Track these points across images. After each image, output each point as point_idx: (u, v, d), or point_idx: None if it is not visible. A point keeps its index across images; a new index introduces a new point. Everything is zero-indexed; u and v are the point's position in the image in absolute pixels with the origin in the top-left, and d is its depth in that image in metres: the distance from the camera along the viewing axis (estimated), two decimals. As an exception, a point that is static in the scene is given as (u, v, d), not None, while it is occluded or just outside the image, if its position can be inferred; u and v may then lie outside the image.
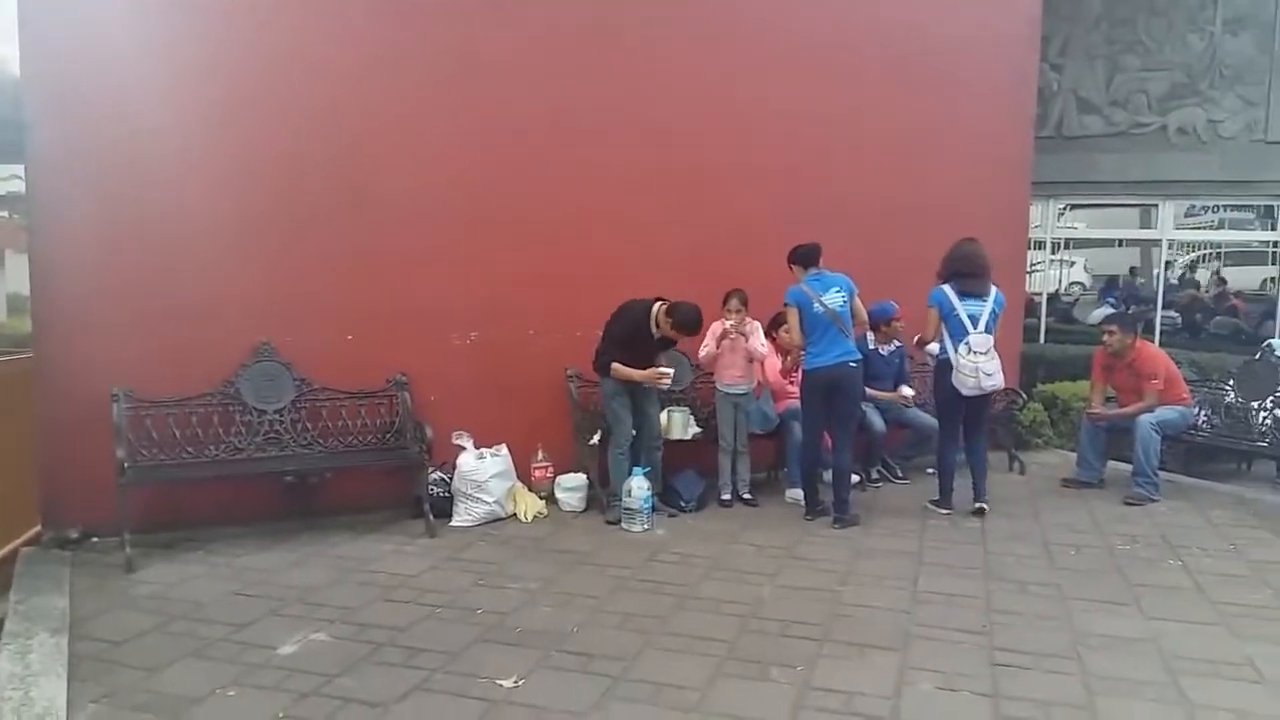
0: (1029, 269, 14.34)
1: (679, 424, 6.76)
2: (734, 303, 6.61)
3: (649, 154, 7.10)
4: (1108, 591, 5.05)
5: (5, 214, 7.88)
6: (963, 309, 6.29)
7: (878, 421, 7.13)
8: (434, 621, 4.57)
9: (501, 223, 6.68)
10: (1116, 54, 12.43)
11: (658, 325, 6.26)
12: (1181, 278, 16.82)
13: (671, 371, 6.43)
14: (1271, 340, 8.59)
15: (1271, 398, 7.21)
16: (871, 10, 7.90)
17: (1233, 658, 4.19)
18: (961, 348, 6.25)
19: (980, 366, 6.21)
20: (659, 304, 6.26)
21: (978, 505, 6.46)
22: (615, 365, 6.27)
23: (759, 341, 6.70)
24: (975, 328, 6.23)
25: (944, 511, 6.53)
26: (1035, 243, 13.40)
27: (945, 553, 5.73)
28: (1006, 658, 4.16)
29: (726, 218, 7.32)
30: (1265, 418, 7.11)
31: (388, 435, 6.28)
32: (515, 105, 6.69)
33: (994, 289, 6.40)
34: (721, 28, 7.33)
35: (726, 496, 6.76)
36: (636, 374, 6.29)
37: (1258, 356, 7.94)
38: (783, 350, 6.85)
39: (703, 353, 6.69)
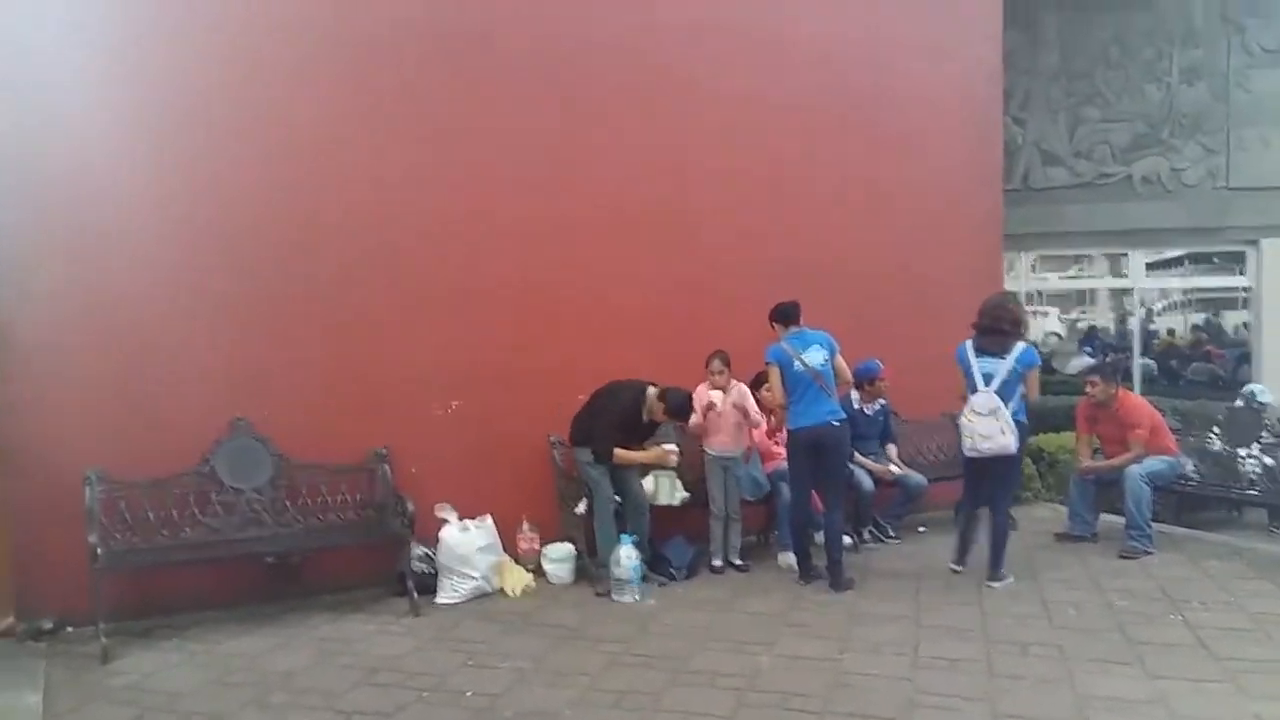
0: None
1: (665, 489, 6.64)
2: (716, 364, 6.60)
3: (624, 221, 7.09)
4: (1110, 651, 4.97)
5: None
6: (977, 366, 6.07)
7: (866, 482, 7.06)
8: (422, 706, 4.41)
9: (480, 290, 6.63)
10: (1076, 106, 12.69)
11: (651, 413, 6.25)
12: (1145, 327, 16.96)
13: (677, 449, 6.36)
14: (1252, 386, 8.64)
15: (1257, 443, 7.21)
16: (840, 73, 7.97)
17: (1242, 718, 4.10)
18: (966, 407, 6.10)
19: (975, 428, 5.98)
20: (651, 389, 6.25)
21: (987, 583, 6.11)
22: (618, 451, 6.20)
23: (752, 405, 6.66)
24: (986, 386, 6.01)
25: (956, 569, 6.35)
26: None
27: (942, 614, 5.63)
28: (1013, 725, 4.06)
29: (703, 281, 7.32)
30: (1253, 464, 7.09)
31: (369, 510, 6.14)
32: (491, 176, 6.68)
33: (1020, 346, 6.09)
34: (694, 93, 7.36)
35: (718, 563, 6.64)
36: (642, 456, 6.26)
37: (1239, 403, 7.97)
38: (766, 409, 6.78)
39: (691, 422, 6.62)
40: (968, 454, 6.14)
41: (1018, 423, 6.01)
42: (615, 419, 6.24)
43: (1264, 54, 12.04)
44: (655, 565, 6.41)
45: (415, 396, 6.47)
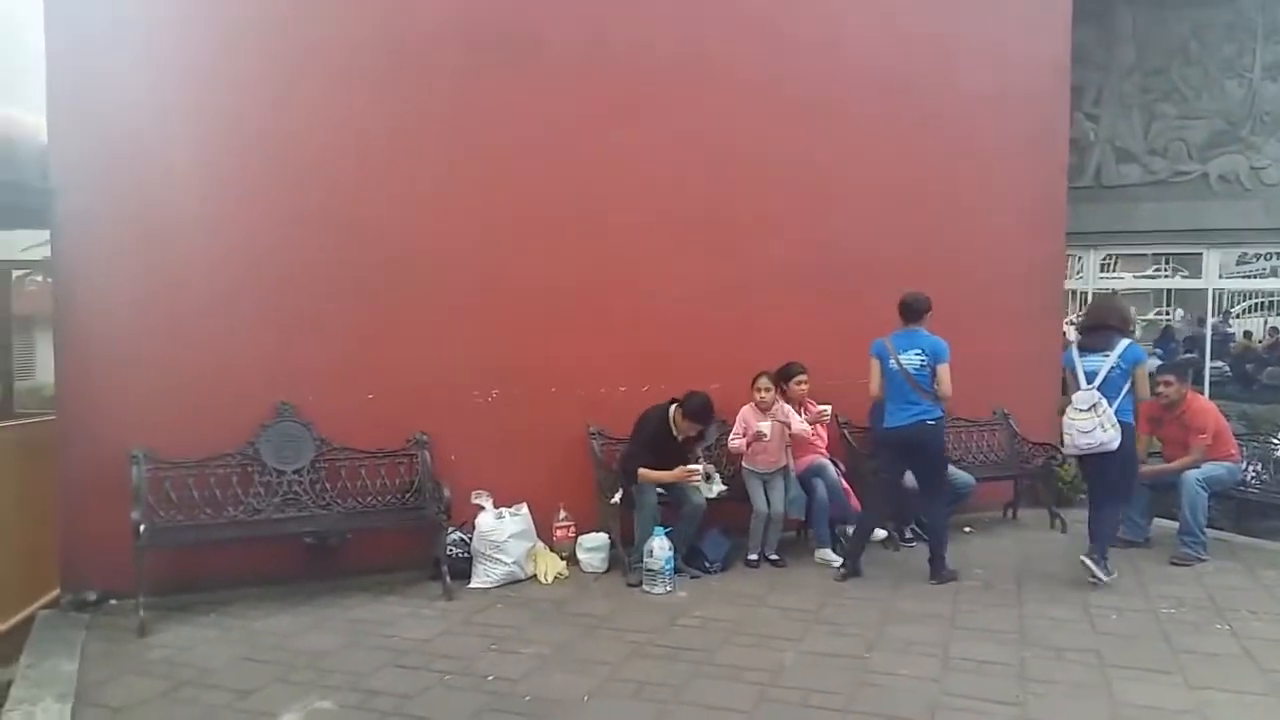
0: (1071, 321, 14.17)
1: (703, 482, 6.60)
2: (763, 381, 6.62)
3: (668, 220, 7.06)
4: (1150, 658, 4.80)
5: (40, 278, 8.01)
6: (1080, 365, 6.02)
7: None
8: (442, 689, 4.44)
9: (523, 281, 6.65)
10: (1152, 102, 12.30)
11: (677, 427, 6.27)
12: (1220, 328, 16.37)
13: (700, 468, 6.34)
14: (1320, 391, 8.30)
15: (1321, 451, 6.92)
16: (900, 71, 7.82)
17: (1284, 731, 3.95)
18: (1070, 404, 6.05)
19: (1075, 424, 5.90)
20: (674, 405, 6.26)
21: (1082, 557, 6.07)
22: (642, 471, 6.21)
23: (798, 422, 6.62)
24: (1090, 383, 5.93)
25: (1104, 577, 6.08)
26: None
27: (979, 616, 5.51)
28: (1039, 731, 3.95)
29: (747, 279, 7.27)
30: (1315, 472, 6.81)
31: (407, 495, 6.21)
32: (533, 172, 6.70)
33: (1124, 342, 6.00)
34: (744, 92, 7.29)
35: (753, 557, 6.58)
36: (666, 475, 6.23)
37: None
38: (791, 402, 6.79)
39: (733, 443, 6.64)
40: (1066, 451, 6.21)
41: (1122, 422, 5.89)
42: (646, 441, 6.30)
43: (1349, 50, 11.54)
44: (690, 558, 6.39)
45: (457, 386, 6.53)
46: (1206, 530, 6.69)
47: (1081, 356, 6.05)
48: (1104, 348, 6.00)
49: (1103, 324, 6.14)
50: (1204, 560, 6.50)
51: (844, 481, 6.78)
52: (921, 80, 7.92)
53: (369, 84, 6.35)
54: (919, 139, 7.90)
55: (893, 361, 6.11)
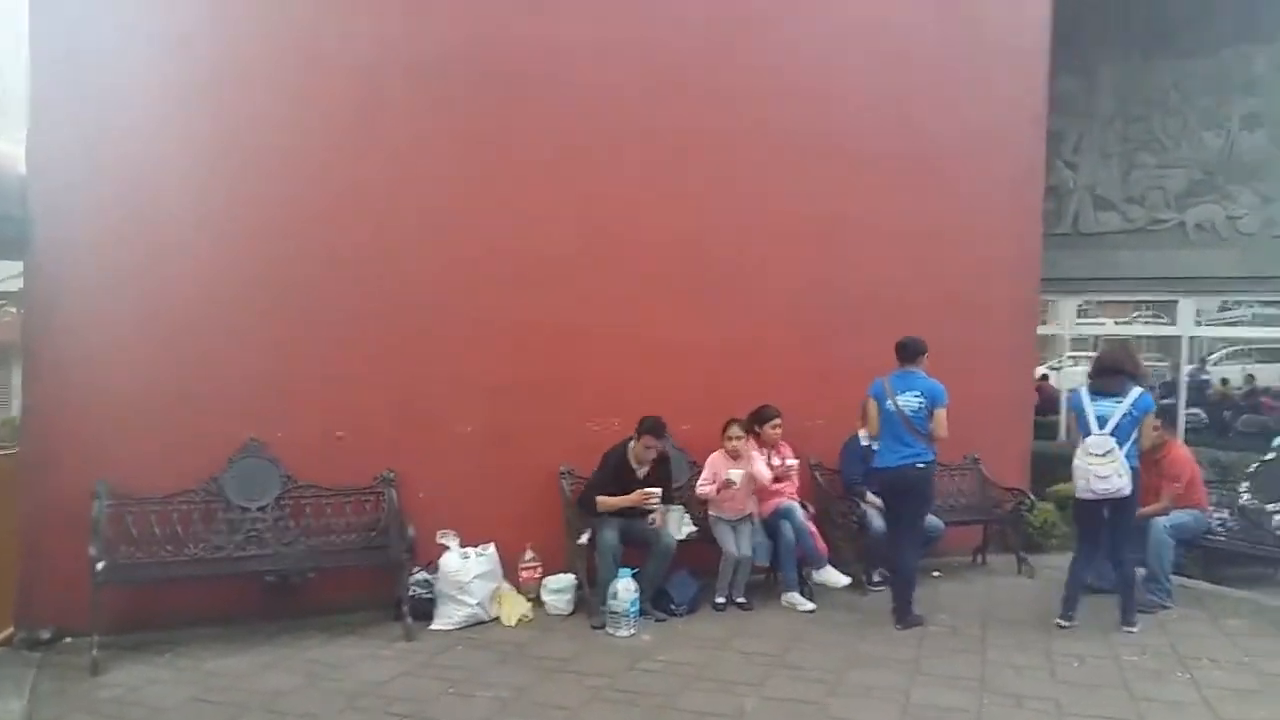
0: (1054, 366, 14.23)
1: (674, 522, 6.55)
2: (734, 430, 6.63)
3: (647, 251, 7.09)
4: (1109, 707, 4.79)
5: (14, 309, 8.02)
6: (1091, 409, 6.03)
7: (876, 521, 6.88)
8: (394, 732, 4.41)
9: (498, 320, 6.67)
10: (1131, 151, 12.44)
11: (636, 458, 6.31)
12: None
13: (659, 491, 6.33)
14: (1284, 438, 8.31)
15: (1287, 499, 6.92)
16: (886, 117, 7.91)
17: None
18: (1080, 448, 6.05)
19: (1092, 469, 5.91)
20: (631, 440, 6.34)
21: (1124, 628, 6.03)
22: (600, 499, 6.26)
23: (763, 468, 6.65)
24: (1101, 429, 5.96)
25: (1063, 624, 6.12)
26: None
27: (942, 662, 5.49)
28: (990, 780, 3.93)
29: (728, 313, 7.30)
30: (1280, 520, 6.80)
31: (372, 534, 6.17)
32: (517, 211, 6.73)
33: (1137, 390, 6.04)
34: (736, 136, 7.36)
35: (721, 600, 6.54)
36: (624, 499, 6.25)
37: (1271, 456, 7.65)
38: (765, 446, 6.82)
39: (701, 490, 6.66)
40: (1081, 495, 6.10)
41: (1131, 468, 5.94)
42: (606, 475, 6.34)
43: (1326, 104, 11.71)
44: (657, 600, 6.35)
45: (429, 423, 6.53)
46: (1173, 578, 6.68)
47: (1093, 400, 6.08)
48: (1117, 392, 6.03)
49: (1117, 369, 6.17)
50: (1168, 608, 6.48)
51: (811, 524, 6.76)
52: (910, 125, 7.99)
53: (354, 117, 6.40)
54: (909, 181, 7.95)
55: (890, 403, 6.16)
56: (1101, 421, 5.98)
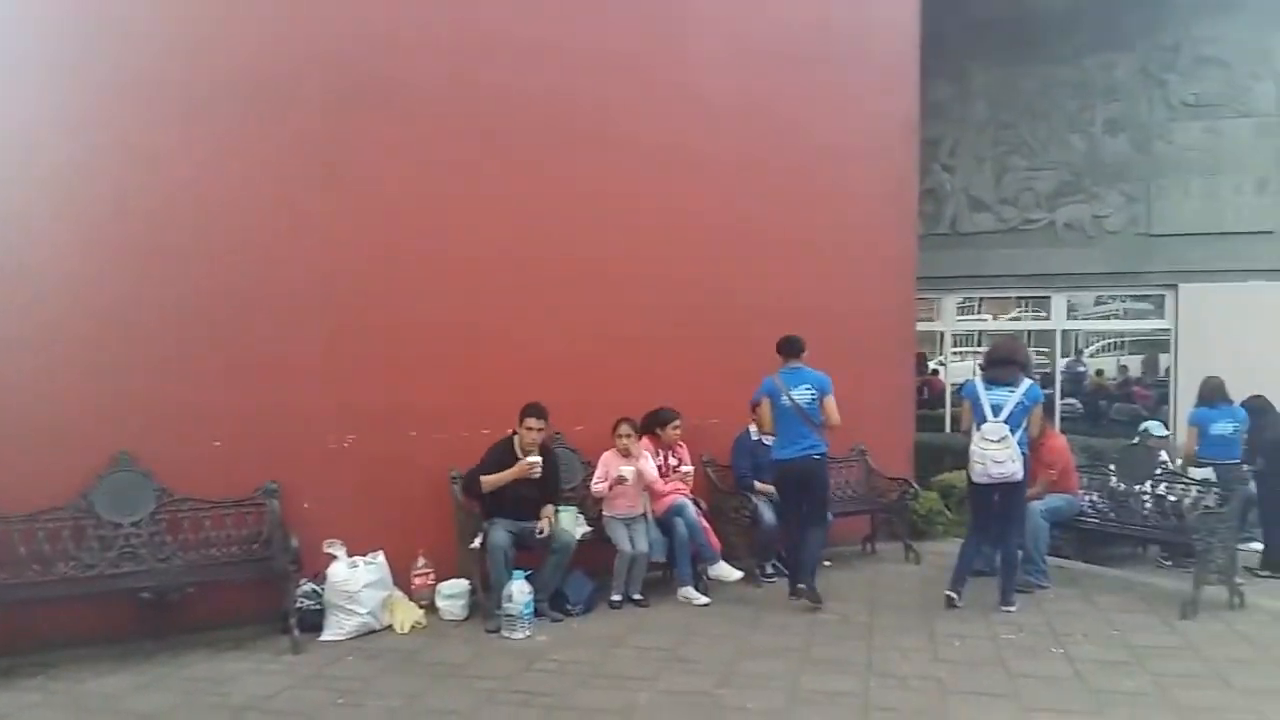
0: (941, 362, 14.69)
1: (568, 523, 6.56)
2: (624, 428, 6.69)
3: (534, 265, 7.06)
4: (988, 683, 4.97)
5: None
6: (986, 398, 6.32)
7: (768, 514, 7.01)
8: (279, 745, 4.29)
9: (379, 325, 6.56)
10: (1004, 155, 12.96)
11: (520, 446, 6.33)
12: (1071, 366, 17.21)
13: (539, 460, 6.32)
14: (1148, 424, 8.73)
15: (1150, 481, 7.27)
16: (758, 124, 8.04)
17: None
18: (976, 434, 6.30)
19: (989, 454, 6.19)
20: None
21: (1001, 607, 6.30)
22: (483, 478, 6.27)
23: (650, 467, 6.74)
24: (995, 416, 6.23)
25: (952, 596, 6.38)
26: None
27: (831, 648, 5.61)
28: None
29: (616, 322, 7.32)
30: (1146, 500, 7.14)
31: (254, 546, 5.99)
32: (393, 207, 6.64)
33: (1027, 382, 6.41)
34: (609, 144, 7.38)
35: (617, 598, 6.56)
36: (506, 474, 6.24)
37: (1135, 440, 8.02)
38: (663, 447, 6.90)
39: (595, 487, 6.72)
40: (977, 480, 6.36)
41: (1021, 454, 6.23)
42: (490, 462, 6.34)
43: (1184, 108, 12.36)
44: (553, 601, 6.33)
45: (311, 431, 6.36)
46: (1048, 559, 6.96)
47: (987, 390, 6.35)
48: (1010, 382, 6.34)
49: (1010, 360, 6.52)
50: (1045, 587, 6.76)
51: (704, 520, 6.84)
52: (782, 131, 8.15)
53: (221, 122, 6.21)
54: (783, 188, 8.10)
55: (785, 398, 6.35)
56: (996, 410, 6.27)
